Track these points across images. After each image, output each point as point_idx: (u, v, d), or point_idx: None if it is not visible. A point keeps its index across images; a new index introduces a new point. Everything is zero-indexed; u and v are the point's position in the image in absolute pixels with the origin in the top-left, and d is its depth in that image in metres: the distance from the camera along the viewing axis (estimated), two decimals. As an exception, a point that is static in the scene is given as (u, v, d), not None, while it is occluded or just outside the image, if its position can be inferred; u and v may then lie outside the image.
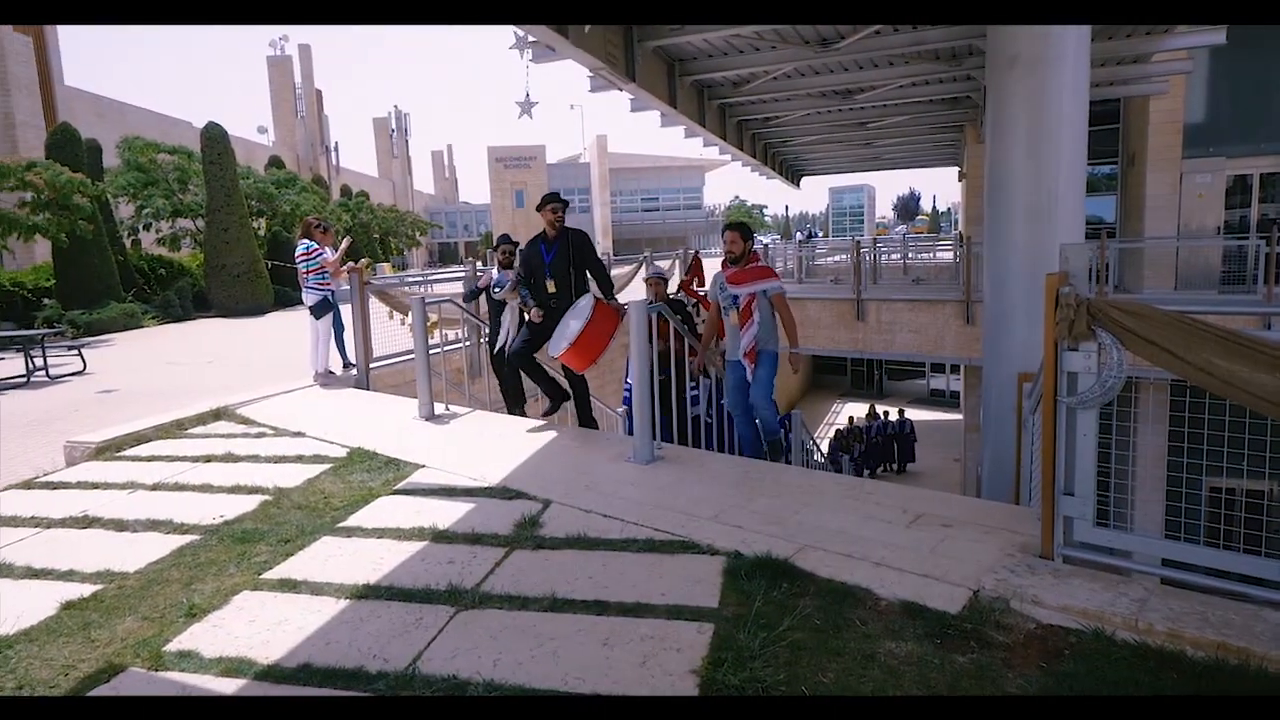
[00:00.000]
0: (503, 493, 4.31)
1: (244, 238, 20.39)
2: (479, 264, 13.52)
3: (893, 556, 3.24)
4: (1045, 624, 2.71)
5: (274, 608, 3.16)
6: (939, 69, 10.72)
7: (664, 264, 15.90)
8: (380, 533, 3.87)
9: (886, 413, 22.81)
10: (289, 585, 3.34)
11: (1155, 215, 13.12)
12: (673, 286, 8.56)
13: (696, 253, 7.04)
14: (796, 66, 10.46)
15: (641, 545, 3.54)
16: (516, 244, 6.71)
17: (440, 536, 3.78)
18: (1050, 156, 5.02)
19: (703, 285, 7.38)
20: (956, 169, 29.30)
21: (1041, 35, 4.96)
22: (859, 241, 15.19)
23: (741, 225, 5.22)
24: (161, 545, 3.87)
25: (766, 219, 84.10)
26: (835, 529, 3.56)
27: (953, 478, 19.79)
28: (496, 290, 6.55)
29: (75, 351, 10.92)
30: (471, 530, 3.81)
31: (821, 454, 12.07)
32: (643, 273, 13.76)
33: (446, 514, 4.05)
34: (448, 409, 6.37)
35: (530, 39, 6.51)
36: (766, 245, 23.03)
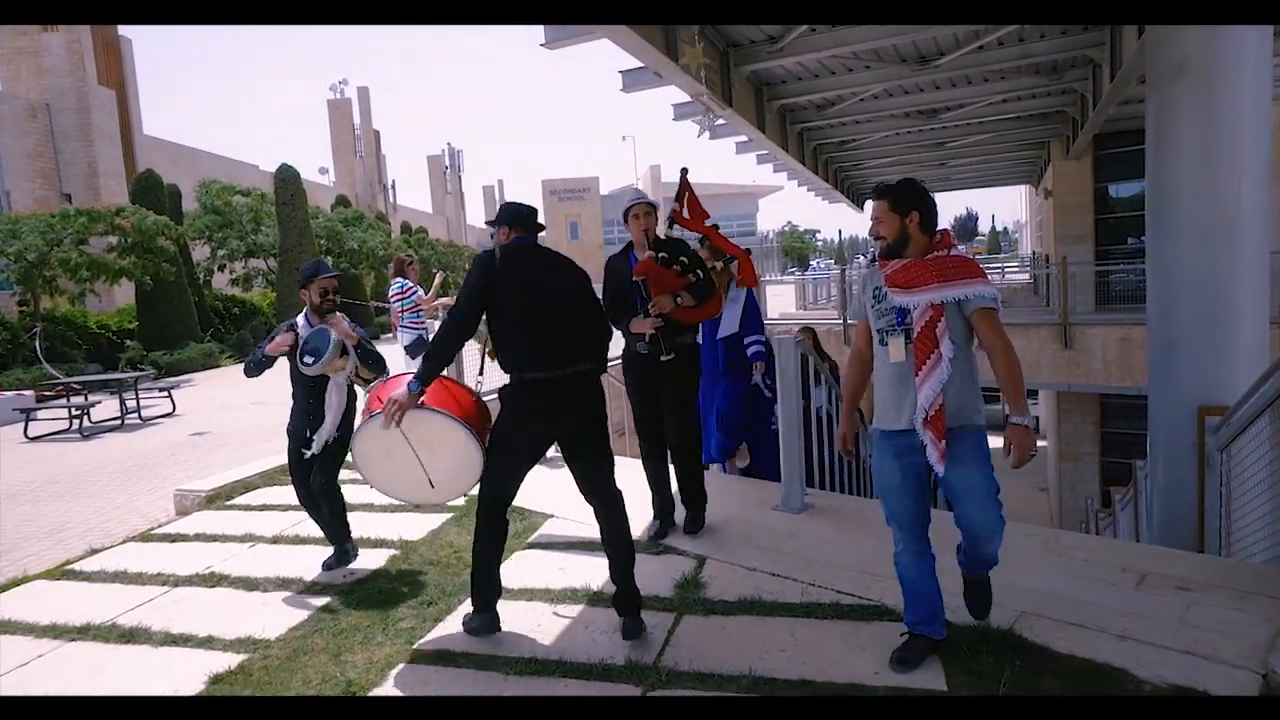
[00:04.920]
0: (649, 547, 3.98)
1: (315, 276, 20.68)
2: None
3: (1136, 628, 2.81)
4: (1371, 720, 2.25)
5: (437, 685, 2.87)
6: (1038, 83, 10.28)
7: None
8: (529, 594, 3.57)
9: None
10: (447, 658, 3.05)
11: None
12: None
13: (684, 171, 4.62)
14: (887, 87, 10.13)
15: (829, 610, 3.18)
16: (339, 276, 4.07)
17: (597, 599, 3.47)
18: (1227, 171, 4.56)
19: (697, 214, 4.68)
20: (1027, 187, 28.51)
21: (1213, 39, 4.55)
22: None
23: (896, 190, 2.75)
24: (298, 607, 3.63)
25: (818, 243, 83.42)
26: (1050, 592, 3.14)
27: (1039, 509, 18.85)
28: (306, 360, 3.72)
29: (165, 394, 11.01)
30: (630, 591, 3.48)
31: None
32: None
33: (594, 572, 3.73)
34: (556, 451, 6.08)
35: (640, 64, 6.32)
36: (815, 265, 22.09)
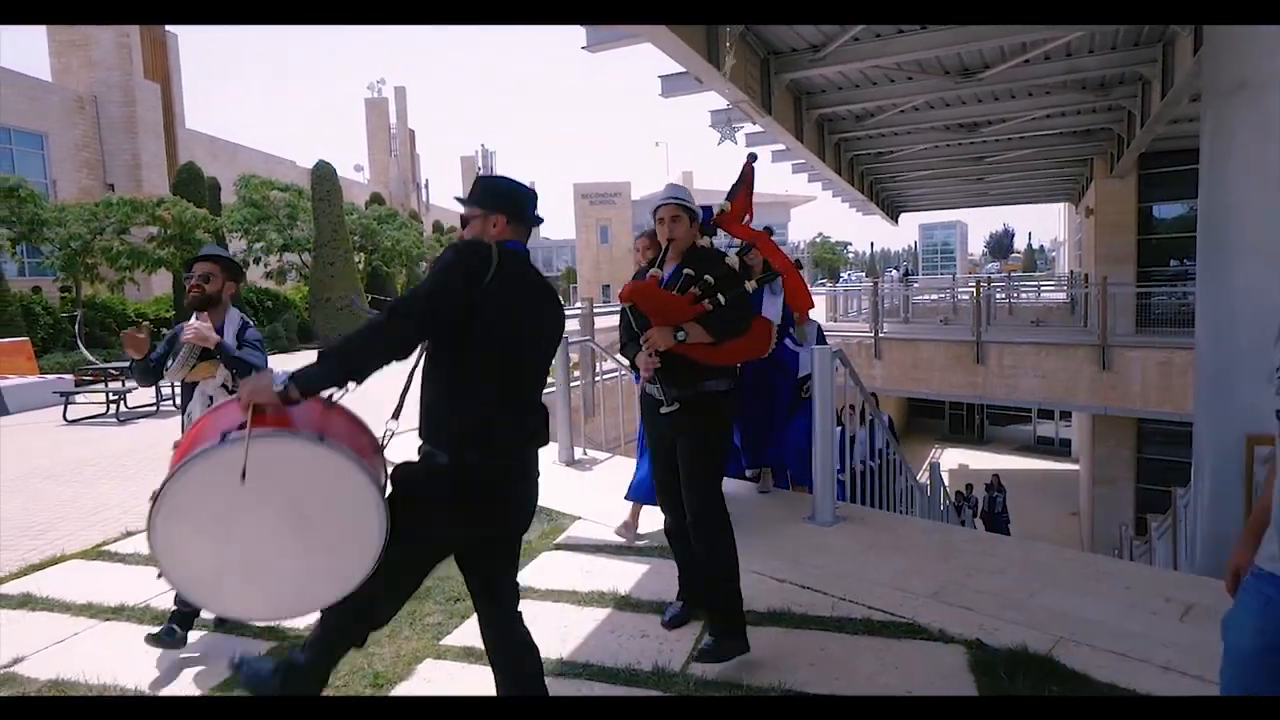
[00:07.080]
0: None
1: (348, 272, 20.97)
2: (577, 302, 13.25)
3: (1181, 660, 2.72)
4: None
5: (464, 681, 2.86)
6: (1084, 99, 10.11)
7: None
8: (556, 595, 3.56)
9: (969, 486, 17.68)
10: (474, 655, 3.02)
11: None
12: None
13: (752, 157, 3.51)
14: (928, 99, 10.03)
15: (859, 626, 3.12)
16: (224, 259, 3.26)
17: (624, 603, 3.44)
18: (1289, 190, 4.45)
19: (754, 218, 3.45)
20: (1066, 204, 28.08)
21: (1275, 55, 4.43)
22: (980, 281, 14.46)
23: None
24: (326, 599, 3.64)
25: (849, 255, 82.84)
26: (1090, 619, 3.05)
27: (1069, 534, 18.51)
28: (168, 364, 3.15)
29: (200, 381, 11.16)
30: (658, 597, 3.45)
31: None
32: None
33: (622, 576, 3.72)
34: (585, 453, 6.09)
35: (684, 71, 6.31)
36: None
